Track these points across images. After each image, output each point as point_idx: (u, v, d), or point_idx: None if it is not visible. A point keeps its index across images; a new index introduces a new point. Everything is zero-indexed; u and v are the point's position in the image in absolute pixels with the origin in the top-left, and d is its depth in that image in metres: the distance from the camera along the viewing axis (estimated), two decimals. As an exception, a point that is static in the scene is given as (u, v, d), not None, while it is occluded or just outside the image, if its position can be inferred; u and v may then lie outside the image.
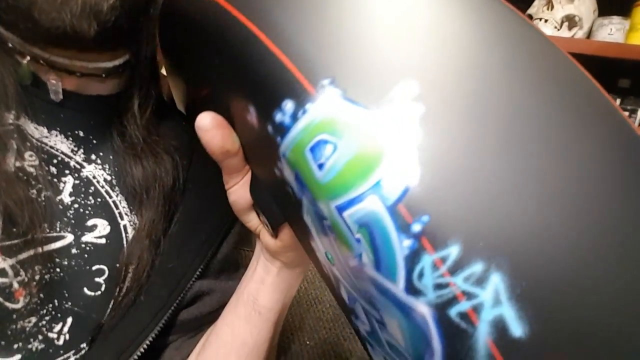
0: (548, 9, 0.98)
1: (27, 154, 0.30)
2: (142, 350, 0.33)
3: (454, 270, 0.14)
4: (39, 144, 0.31)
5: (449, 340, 0.15)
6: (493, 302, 0.14)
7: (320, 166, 0.17)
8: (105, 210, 0.34)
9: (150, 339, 0.33)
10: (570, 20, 0.97)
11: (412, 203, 0.15)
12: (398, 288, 0.15)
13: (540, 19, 0.98)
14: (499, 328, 0.14)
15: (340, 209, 0.17)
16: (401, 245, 0.15)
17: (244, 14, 0.20)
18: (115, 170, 0.34)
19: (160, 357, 0.36)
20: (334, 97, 0.16)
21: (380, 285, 0.16)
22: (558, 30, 0.97)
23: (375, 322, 0.19)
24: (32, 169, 0.30)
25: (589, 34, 1.04)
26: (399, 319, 0.16)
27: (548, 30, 0.96)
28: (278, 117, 0.18)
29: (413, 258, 0.15)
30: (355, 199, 0.16)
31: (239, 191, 0.29)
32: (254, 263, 0.34)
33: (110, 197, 0.34)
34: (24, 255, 0.29)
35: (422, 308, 0.15)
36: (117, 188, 0.34)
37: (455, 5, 0.18)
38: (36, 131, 0.31)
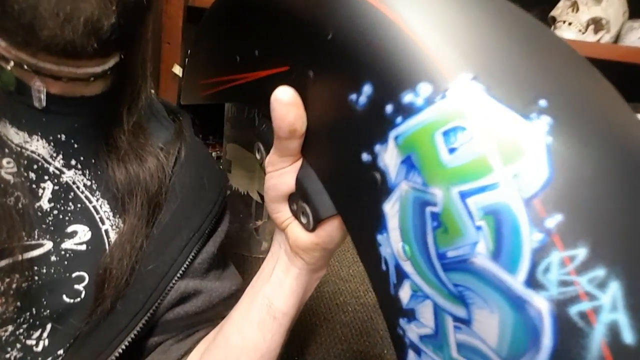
0: (573, 10, 0.87)
1: (4, 161, 0.29)
2: (118, 352, 0.32)
3: (580, 270, 0.15)
4: (18, 149, 0.30)
5: (563, 337, 0.15)
6: (611, 307, 0.15)
7: (452, 150, 0.17)
8: (86, 216, 0.33)
9: (127, 342, 0.32)
10: (597, 23, 0.87)
11: (548, 199, 0.16)
12: (517, 280, 0.16)
13: (564, 22, 0.87)
14: (614, 332, 0.15)
15: (465, 195, 0.17)
16: (531, 238, 0.16)
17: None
18: (97, 175, 0.34)
19: (145, 356, 0.35)
20: (478, 90, 0.18)
21: (491, 277, 0.16)
22: (583, 34, 0.86)
23: (449, 321, 0.18)
24: (9, 177, 0.29)
25: (617, 38, 0.93)
26: (504, 314, 0.16)
27: (571, 34, 0.86)
28: (408, 97, 0.19)
29: (542, 252, 0.15)
30: (488, 186, 0.16)
31: (283, 176, 0.28)
32: (270, 264, 0.33)
33: (91, 202, 0.34)
34: (1, 264, 0.28)
35: (541, 303, 0.15)
36: (97, 193, 0.34)
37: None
38: (17, 136, 0.31)
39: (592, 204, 0.16)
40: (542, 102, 0.17)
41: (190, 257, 0.36)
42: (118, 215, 0.34)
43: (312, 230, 0.28)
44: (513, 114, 0.17)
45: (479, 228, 0.17)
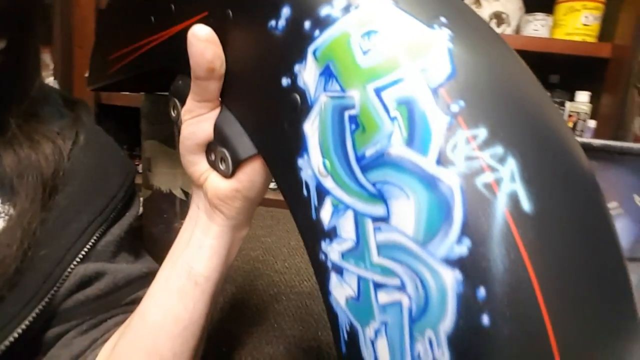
0: (476, 7, 0.97)
1: None
2: (7, 344, 0.29)
3: (482, 147, 0.16)
4: None
5: (471, 207, 0.16)
6: (510, 179, 0.16)
7: (366, 52, 0.18)
8: None
9: (18, 332, 0.29)
10: (498, 18, 0.98)
11: (451, 89, 0.17)
12: (429, 160, 0.16)
13: (469, 17, 1.05)
14: (514, 200, 0.16)
15: (379, 90, 0.18)
16: (439, 121, 0.17)
17: None
18: None
19: (45, 351, 0.32)
20: (387, 2, 0.19)
21: (406, 163, 0.17)
22: (488, 27, 1.05)
23: (369, 225, 0.19)
24: None
25: (517, 31, 1.08)
26: (419, 196, 0.16)
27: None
28: (325, 10, 0.19)
29: (449, 132, 0.16)
30: (399, 80, 0.17)
31: (201, 123, 0.27)
32: (188, 229, 0.31)
33: None
34: None
35: (451, 177, 0.16)
36: None
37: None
38: None
39: (488, 95, 0.17)
40: (443, 19, 0.19)
41: (93, 240, 0.34)
42: (8, 202, 0.31)
43: (232, 175, 0.27)
44: (418, 22, 0.18)
45: (393, 119, 0.17)
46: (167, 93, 0.53)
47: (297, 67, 0.21)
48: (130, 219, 0.38)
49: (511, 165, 0.16)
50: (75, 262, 0.32)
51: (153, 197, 0.69)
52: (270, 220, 0.94)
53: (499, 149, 0.16)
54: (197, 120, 0.27)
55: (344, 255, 0.20)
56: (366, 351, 0.20)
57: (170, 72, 0.32)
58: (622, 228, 0.31)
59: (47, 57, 1.26)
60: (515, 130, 0.17)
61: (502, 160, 0.16)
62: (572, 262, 0.16)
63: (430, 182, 0.16)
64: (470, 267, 0.16)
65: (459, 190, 0.16)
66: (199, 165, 0.29)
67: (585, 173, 0.18)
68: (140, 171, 0.66)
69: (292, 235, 0.84)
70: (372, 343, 0.20)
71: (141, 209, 0.81)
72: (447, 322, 0.16)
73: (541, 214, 0.16)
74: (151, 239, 0.67)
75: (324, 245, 0.21)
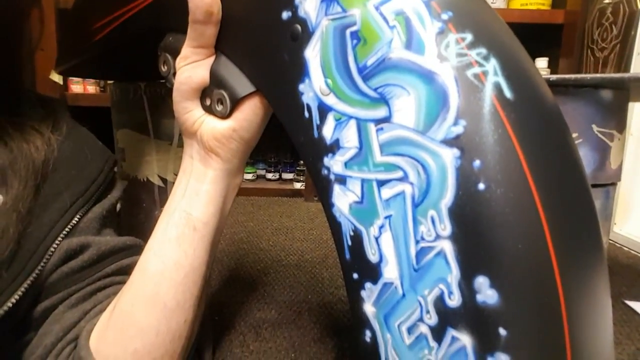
0: None
1: None
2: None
3: (469, 47, 0.19)
4: None
5: (465, 94, 0.18)
6: (494, 72, 0.19)
7: (364, -26, 0.20)
8: None
9: (7, 306, 0.29)
10: None
11: (441, 2, 0.19)
12: (426, 58, 0.19)
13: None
14: (498, 89, 0.18)
15: (378, 5, 0.20)
16: (432, 26, 0.19)
17: None
18: None
19: (36, 328, 0.32)
20: None
21: (406, 63, 0.19)
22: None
23: (371, 128, 0.21)
24: None
25: (507, 4, 1.15)
26: (419, 90, 0.19)
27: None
28: (324, -59, 0.22)
29: (442, 35, 0.19)
30: (396, -6, 0.20)
31: (197, 69, 0.29)
32: (182, 182, 0.32)
33: None
34: None
35: (447, 71, 0.18)
36: None
37: None
38: None
39: (471, 8, 0.20)
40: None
41: (75, 219, 0.35)
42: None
43: (229, 115, 0.28)
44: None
45: (392, 27, 0.20)
46: (135, 81, 0.54)
47: (296, 2, 0.23)
48: (112, 200, 0.39)
49: (493, 63, 0.19)
50: (59, 239, 0.33)
51: (130, 187, 0.68)
52: (251, 207, 0.94)
53: (483, 50, 0.19)
54: (192, 67, 0.28)
55: (347, 164, 0.22)
56: (370, 250, 0.22)
57: (142, 54, 0.34)
58: (584, 156, 0.34)
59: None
60: (495, 38, 0.20)
61: (486, 58, 0.19)
62: (547, 138, 0.19)
63: (428, 77, 0.19)
64: (467, 143, 0.18)
65: (454, 80, 0.18)
66: (193, 112, 0.30)
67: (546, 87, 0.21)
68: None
69: (274, 219, 0.85)
70: (377, 240, 0.22)
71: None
72: (448, 197, 0.18)
73: (520, 101, 0.19)
74: (132, 230, 0.66)
75: (327, 160, 0.23)
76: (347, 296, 0.24)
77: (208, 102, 0.29)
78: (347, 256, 0.23)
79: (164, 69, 0.33)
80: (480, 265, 0.18)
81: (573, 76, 0.35)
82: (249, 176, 1.24)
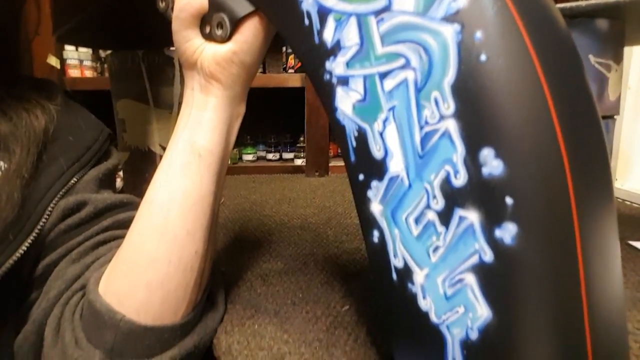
0: None
1: None
2: (3, 272, 0.30)
3: None
4: None
5: None
6: None
7: None
8: None
9: (9, 264, 0.30)
10: None
11: None
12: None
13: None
14: None
15: None
16: None
17: None
18: None
19: (39, 287, 0.33)
20: None
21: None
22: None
23: (371, 21, 0.21)
24: None
25: None
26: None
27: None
28: None
29: None
30: None
31: None
32: (184, 113, 0.32)
33: None
34: None
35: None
36: None
37: None
38: None
39: None
40: None
41: (72, 181, 0.36)
42: (2, 159, 0.33)
43: (229, 37, 0.28)
44: None
45: None
46: (132, 49, 0.54)
47: None
48: (109, 165, 0.39)
49: None
50: (56, 199, 0.34)
51: (132, 158, 0.69)
52: (253, 183, 0.95)
53: None
54: None
55: (348, 64, 0.22)
56: (375, 147, 0.22)
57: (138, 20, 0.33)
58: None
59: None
60: None
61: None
62: (545, 12, 0.19)
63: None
64: (467, 17, 0.18)
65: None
66: (193, 41, 0.30)
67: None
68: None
69: (276, 191, 0.85)
70: (381, 135, 0.22)
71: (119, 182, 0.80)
72: (450, 74, 0.19)
73: None
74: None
75: (328, 64, 0.23)
76: (354, 201, 0.24)
77: (207, 29, 0.29)
78: (352, 158, 0.23)
79: (162, 4, 0.33)
80: (484, 138, 0.18)
81: (568, 5, 0.35)
82: (249, 157, 1.25)
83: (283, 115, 1.36)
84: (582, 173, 0.18)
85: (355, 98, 0.22)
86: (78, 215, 0.34)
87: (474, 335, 0.20)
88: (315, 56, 0.24)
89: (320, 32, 0.23)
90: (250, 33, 0.28)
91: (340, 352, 0.29)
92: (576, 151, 0.18)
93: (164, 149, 0.67)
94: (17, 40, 0.43)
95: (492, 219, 0.18)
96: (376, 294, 0.24)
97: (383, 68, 0.21)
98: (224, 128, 0.31)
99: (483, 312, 0.19)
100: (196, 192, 0.30)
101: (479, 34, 0.18)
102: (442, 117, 0.19)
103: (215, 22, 0.28)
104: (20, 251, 0.31)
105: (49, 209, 0.33)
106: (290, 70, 1.21)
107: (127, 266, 0.29)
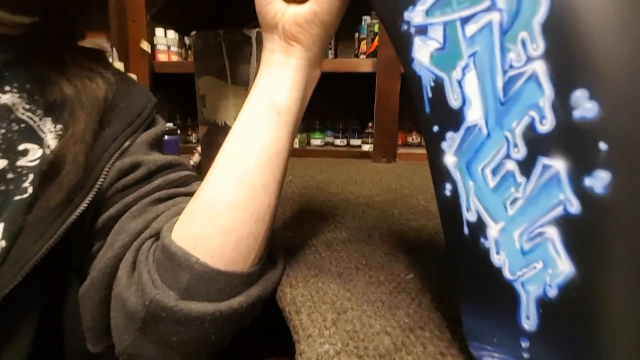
0: None
1: None
2: (63, 231, 0.32)
3: None
4: None
5: None
6: None
7: None
8: (33, 135, 0.36)
9: (73, 218, 0.33)
10: None
11: None
12: None
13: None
14: None
15: None
16: None
17: None
18: (34, 98, 0.37)
19: (100, 239, 0.36)
20: None
21: None
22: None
23: None
24: None
25: None
26: None
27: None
28: None
29: None
30: None
31: None
32: (264, 71, 0.33)
33: (34, 122, 0.36)
34: None
35: None
36: (39, 112, 0.37)
37: None
38: None
39: None
40: None
41: (126, 143, 0.38)
42: (59, 124, 0.37)
43: None
44: None
45: None
46: (214, 29, 0.56)
47: None
48: (157, 131, 0.42)
49: None
50: (112, 160, 0.36)
51: (209, 132, 0.73)
52: (320, 165, 0.96)
53: None
54: None
55: (428, 12, 0.22)
56: (452, 96, 0.21)
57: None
58: None
59: (103, 42, 1.36)
60: None
61: None
62: None
63: None
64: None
65: None
66: (274, 3, 0.31)
67: None
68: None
69: (343, 173, 0.86)
70: (459, 83, 0.21)
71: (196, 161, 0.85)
72: (541, 11, 0.17)
73: None
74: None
75: (407, 13, 0.23)
76: (427, 155, 0.24)
77: None
78: (427, 110, 0.23)
79: None
80: (577, 79, 0.17)
81: None
82: (317, 142, 1.26)
83: (352, 101, 1.36)
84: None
85: (434, 47, 0.22)
86: (133, 175, 0.37)
87: (552, 293, 0.19)
88: (393, 6, 0.24)
89: (400, -18, 0.23)
90: None
91: (403, 313, 0.29)
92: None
93: (238, 124, 0.71)
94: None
95: (581, 167, 0.17)
96: (446, 250, 0.24)
97: (466, 12, 0.20)
98: (301, 88, 0.32)
99: (565, 267, 0.18)
100: (273, 147, 0.31)
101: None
102: (529, 59, 0.18)
103: (295, -17, 0.29)
104: (82, 208, 0.34)
105: (106, 169, 0.36)
106: (362, 56, 1.21)
107: (203, 211, 0.31)
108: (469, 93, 0.21)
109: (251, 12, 0.34)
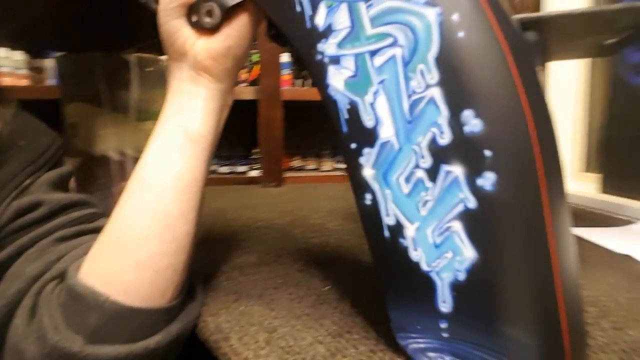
0: None
1: None
2: None
3: None
4: None
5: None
6: None
7: None
8: None
9: None
10: None
11: None
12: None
13: None
14: None
15: None
16: None
17: None
18: None
19: None
20: None
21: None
22: None
23: (361, 7, 0.24)
24: None
25: None
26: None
27: None
28: None
29: None
30: None
31: None
32: (175, 100, 0.32)
33: None
34: None
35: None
36: None
37: None
38: None
39: None
40: None
41: (25, 183, 0.34)
42: None
43: (219, 25, 0.30)
44: None
45: None
46: (88, 51, 0.52)
47: None
48: (63, 171, 0.38)
49: None
50: (8, 199, 0.32)
51: (84, 164, 0.66)
52: (209, 193, 0.93)
53: None
54: None
55: (340, 44, 0.25)
56: (366, 117, 0.25)
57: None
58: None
59: None
60: None
61: None
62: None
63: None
64: (445, 1, 0.21)
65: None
66: (182, 30, 0.31)
67: None
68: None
69: (235, 200, 0.85)
70: (372, 105, 0.24)
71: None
72: (434, 48, 0.22)
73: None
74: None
75: (320, 45, 0.26)
76: (346, 169, 0.26)
77: (195, 18, 0.30)
78: (345, 129, 0.26)
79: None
80: (465, 101, 0.21)
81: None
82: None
83: (235, 128, 1.36)
84: (540, 126, 0.22)
85: (347, 74, 0.25)
86: (31, 215, 0.33)
87: (461, 276, 0.23)
88: (307, 39, 0.26)
89: (312, 17, 0.26)
90: (242, 26, 0.30)
91: (329, 322, 0.31)
92: (535, 111, 0.22)
93: (120, 153, 0.65)
94: None
95: (474, 170, 0.22)
96: (370, 253, 0.27)
97: (373, 47, 0.24)
98: (215, 116, 0.32)
99: (469, 253, 0.22)
100: (190, 174, 0.31)
101: (456, 15, 0.21)
102: (427, 86, 0.22)
103: (203, 10, 0.30)
104: None
105: (0, 209, 0.31)
106: (243, 84, 1.23)
107: (114, 245, 0.28)
108: (381, 114, 0.24)
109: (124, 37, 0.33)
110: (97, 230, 0.31)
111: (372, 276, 0.27)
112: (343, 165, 1.41)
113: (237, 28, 0.30)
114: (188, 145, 0.31)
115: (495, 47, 0.21)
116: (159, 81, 0.68)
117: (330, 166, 1.30)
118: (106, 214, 0.36)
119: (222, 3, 0.29)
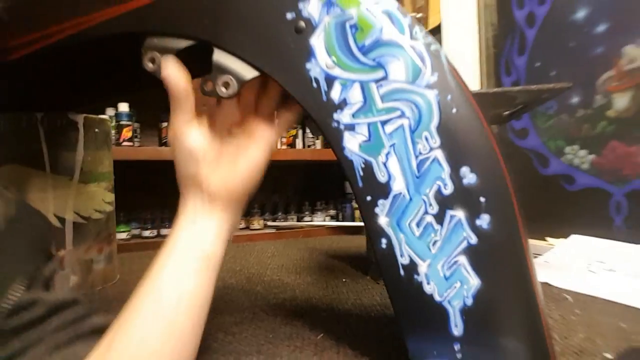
0: None
1: None
2: None
3: (426, 34, 0.30)
4: None
5: (433, 57, 0.29)
6: (442, 49, 0.30)
7: (355, -12, 0.30)
8: None
9: None
10: None
11: (401, 8, 0.31)
12: (406, 37, 0.29)
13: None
14: (447, 57, 0.30)
15: (369, 6, 0.30)
16: (405, 19, 0.30)
17: None
18: None
19: None
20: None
21: (393, 40, 0.29)
22: None
23: (372, 87, 0.29)
24: None
25: None
26: (405, 56, 0.29)
27: None
28: (320, -33, 0.31)
29: (411, 25, 0.30)
30: (379, 2, 0.30)
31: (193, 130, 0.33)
32: (189, 218, 0.33)
33: None
34: None
35: (420, 45, 0.29)
36: None
37: None
38: None
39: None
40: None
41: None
42: None
43: (237, 92, 0.33)
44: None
45: (381, 20, 0.30)
46: (30, 110, 0.50)
47: (300, 5, 0.31)
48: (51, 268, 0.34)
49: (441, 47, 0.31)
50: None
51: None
52: (139, 259, 0.86)
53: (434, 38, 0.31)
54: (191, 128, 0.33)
55: (354, 115, 0.30)
56: (380, 174, 0.30)
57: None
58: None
59: None
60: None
61: (436, 42, 0.31)
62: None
63: (410, 48, 0.29)
64: (441, 86, 0.28)
65: (425, 50, 0.29)
66: (201, 164, 0.32)
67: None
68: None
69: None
70: (384, 164, 0.29)
71: None
72: (435, 120, 0.28)
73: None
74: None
75: (336, 115, 0.31)
76: (361, 218, 0.30)
77: (210, 87, 0.33)
78: (360, 184, 0.30)
79: (151, 65, 0.35)
80: (462, 160, 0.28)
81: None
82: (122, 235, 1.12)
83: (158, 189, 1.30)
84: (509, 173, 0.29)
85: (361, 139, 0.30)
86: (28, 315, 0.28)
87: (469, 302, 0.28)
88: (323, 110, 0.31)
89: (327, 92, 0.31)
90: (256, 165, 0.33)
91: (341, 364, 0.33)
92: (504, 161, 0.29)
93: (59, 219, 0.59)
94: None
95: (473, 213, 0.28)
96: (387, 290, 0.30)
97: (383, 117, 0.30)
98: (226, 236, 0.34)
99: (474, 282, 0.27)
100: (203, 293, 0.31)
101: (449, 96, 0.28)
102: (431, 149, 0.28)
103: (221, 82, 0.33)
104: None
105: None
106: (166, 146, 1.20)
107: None
108: (393, 171, 0.29)
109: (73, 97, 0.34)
110: (91, 333, 0.29)
111: (354, 320, 0.30)
112: (273, 223, 1.43)
113: (254, 175, 0.33)
114: (205, 266, 0.32)
115: (477, 119, 0.29)
116: (104, 142, 0.65)
117: (261, 224, 1.30)
118: (94, 310, 0.33)
119: (239, 77, 0.33)
